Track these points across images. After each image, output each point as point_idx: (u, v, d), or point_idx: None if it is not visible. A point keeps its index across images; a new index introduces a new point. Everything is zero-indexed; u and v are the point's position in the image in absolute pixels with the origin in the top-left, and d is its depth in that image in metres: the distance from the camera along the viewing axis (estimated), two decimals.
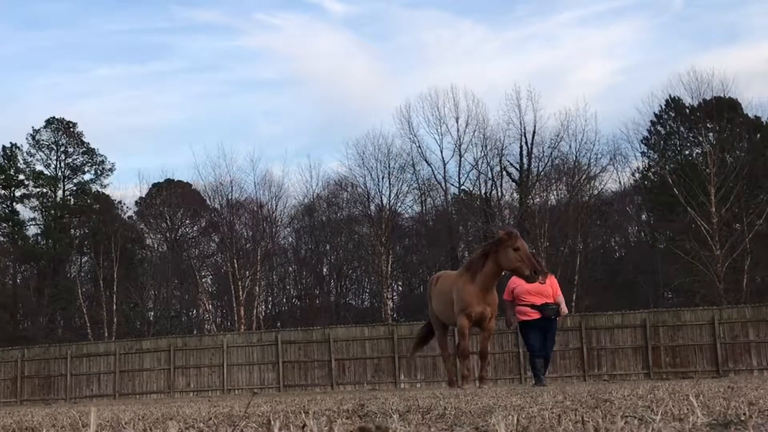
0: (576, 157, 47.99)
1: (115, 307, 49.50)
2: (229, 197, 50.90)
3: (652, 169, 49.14)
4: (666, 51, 73.30)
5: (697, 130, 45.57)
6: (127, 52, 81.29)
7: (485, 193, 50.55)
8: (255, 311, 48.45)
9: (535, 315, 13.52)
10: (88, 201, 57.44)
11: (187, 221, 57.88)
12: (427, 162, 50.67)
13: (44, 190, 57.34)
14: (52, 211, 57.04)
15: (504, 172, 50.03)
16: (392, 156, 49.69)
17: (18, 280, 57.14)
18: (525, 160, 48.72)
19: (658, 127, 48.08)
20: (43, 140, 57.73)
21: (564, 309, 13.73)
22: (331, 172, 77.72)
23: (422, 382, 29.11)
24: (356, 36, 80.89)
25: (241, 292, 47.01)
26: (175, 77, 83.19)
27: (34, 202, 57.26)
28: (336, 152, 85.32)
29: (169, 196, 56.36)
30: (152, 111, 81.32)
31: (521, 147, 48.70)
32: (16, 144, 57.62)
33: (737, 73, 74.60)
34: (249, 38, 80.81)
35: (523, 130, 48.39)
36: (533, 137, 48.15)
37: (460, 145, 50.05)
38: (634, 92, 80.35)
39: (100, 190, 58.22)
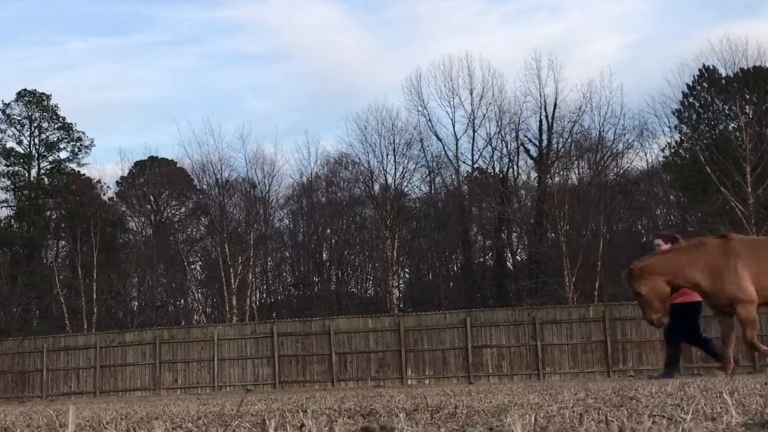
0: (600, 132, 47.94)
1: (95, 296, 49.57)
2: (219, 176, 50.94)
3: (683, 145, 48.99)
4: (688, 20, 73.23)
5: (732, 102, 45.43)
6: (102, 24, 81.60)
7: (501, 172, 50.53)
8: (248, 300, 48.53)
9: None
10: (65, 180, 57.46)
11: (173, 202, 57.93)
12: (437, 137, 50.66)
13: (16, 169, 57.38)
14: (26, 192, 57.09)
15: (521, 149, 50.06)
16: (397, 131, 49.65)
17: None
18: (545, 136, 48.70)
19: (691, 99, 47.90)
20: (14, 115, 57.73)
21: None
22: (330, 148, 77.85)
23: (431, 378, 29.20)
24: (346, 6, 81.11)
25: (232, 280, 47.07)
26: (156, 50, 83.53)
27: (6, 182, 57.33)
28: (334, 127, 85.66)
29: (153, 176, 56.37)
30: (132, 86, 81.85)
31: (540, 121, 48.69)
32: None
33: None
34: (232, 10, 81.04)
35: (543, 103, 48.35)
36: (554, 111, 48.13)
37: (473, 119, 50.04)
38: (657, 64, 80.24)
39: (77, 168, 58.28)
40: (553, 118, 48.27)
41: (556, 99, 48.05)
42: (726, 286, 12.23)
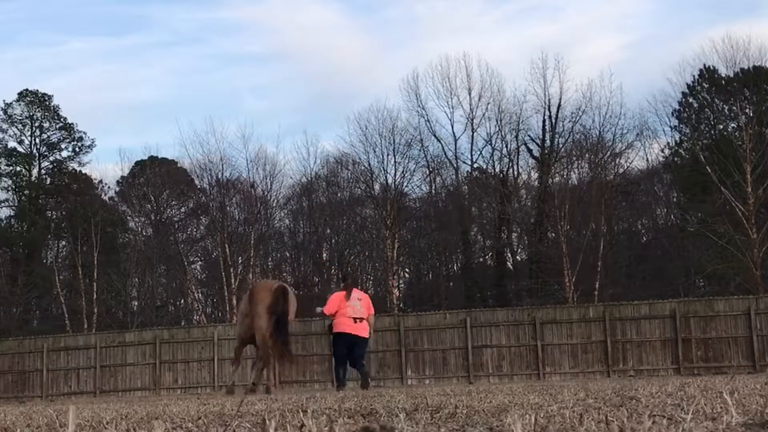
0: (600, 132, 47.92)
1: (95, 296, 49.53)
2: (219, 176, 50.91)
3: (683, 145, 49.00)
4: (688, 20, 73.39)
5: (732, 102, 45.40)
6: (102, 24, 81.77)
7: (501, 172, 50.52)
8: None
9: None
10: (66, 180, 57.46)
11: (174, 202, 57.89)
12: (436, 137, 50.65)
13: (18, 169, 57.35)
14: (27, 192, 57.06)
15: (524, 148, 50.08)
16: (398, 131, 49.72)
17: None
18: (547, 136, 48.65)
19: (690, 100, 47.89)
20: (15, 114, 57.68)
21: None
22: (331, 148, 77.91)
23: (431, 378, 29.19)
24: (345, 6, 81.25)
25: (233, 280, 47.08)
26: (155, 50, 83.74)
27: (7, 182, 57.30)
28: (335, 127, 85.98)
29: (154, 175, 56.33)
30: (132, 86, 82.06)
31: (544, 121, 48.67)
32: None
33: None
34: (232, 10, 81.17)
35: (547, 103, 48.30)
36: (558, 110, 48.10)
37: (472, 119, 50.03)
38: (657, 64, 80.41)
39: (78, 168, 58.27)
40: (557, 118, 48.30)
41: (560, 99, 48.09)
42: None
